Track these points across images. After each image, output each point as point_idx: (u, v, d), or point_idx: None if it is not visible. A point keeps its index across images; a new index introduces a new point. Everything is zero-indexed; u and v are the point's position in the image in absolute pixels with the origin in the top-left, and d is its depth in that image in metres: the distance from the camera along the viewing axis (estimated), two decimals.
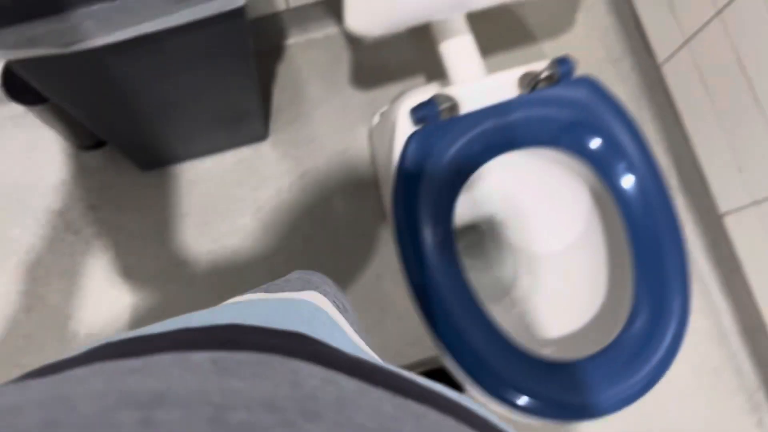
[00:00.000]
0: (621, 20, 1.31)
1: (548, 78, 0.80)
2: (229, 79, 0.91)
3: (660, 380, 0.78)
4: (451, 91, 0.82)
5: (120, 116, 0.92)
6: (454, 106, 0.79)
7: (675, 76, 1.18)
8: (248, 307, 0.32)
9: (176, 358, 0.22)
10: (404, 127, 0.79)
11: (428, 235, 0.72)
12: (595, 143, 0.79)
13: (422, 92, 1.05)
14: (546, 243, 0.98)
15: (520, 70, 0.83)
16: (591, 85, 0.80)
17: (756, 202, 1.05)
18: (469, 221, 1.02)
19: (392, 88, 1.26)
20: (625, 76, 1.29)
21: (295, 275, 0.48)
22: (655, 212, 0.79)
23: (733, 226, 1.13)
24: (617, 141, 0.79)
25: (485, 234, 1.09)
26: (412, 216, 0.72)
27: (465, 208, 0.94)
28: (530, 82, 0.81)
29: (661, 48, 1.19)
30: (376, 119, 1.20)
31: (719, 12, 1.00)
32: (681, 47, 1.12)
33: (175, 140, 1.09)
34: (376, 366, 0.25)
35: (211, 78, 0.89)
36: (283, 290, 0.39)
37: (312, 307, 0.35)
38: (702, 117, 1.12)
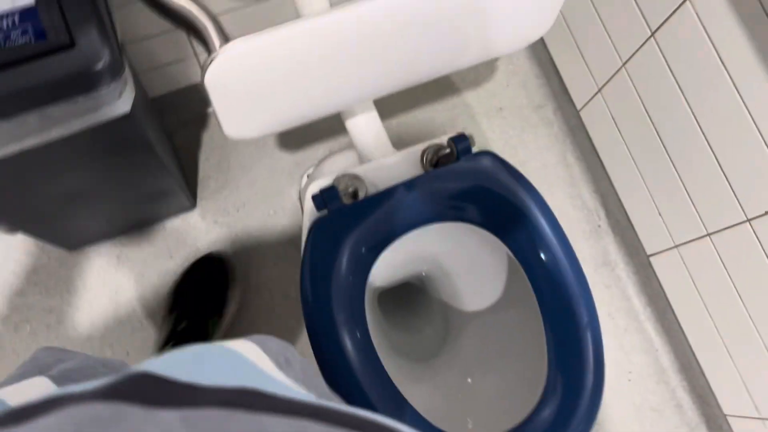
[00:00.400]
0: (541, 67, 1.33)
1: (448, 155, 0.80)
2: (138, 167, 0.91)
3: None
4: (357, 170, 0.82)
5: (29, 210, 0.91)
6: (356, 190, 0.79)
7: (592, 122, 1.20)
8: (178, 360, 0.31)
9: (147, 416, 0.22)
10: (311, 213, 0.79)
11: (346, 341, 0.72)
12: (498, 216, 0.80)
13: (341, 159, 1.05)
14: (471, 302, 0.99)
15: (422, 146, 0.84)
16: (489, 159, 0.81)
17: (677, 246, 1.06)
18: (399, 279, 1.02)
19: (320, 147, 1.26)
20: (549, 121, 1.31)
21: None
22: (563, 283, 0.80)
23: (660, 266, 1.15)
24: (521, 212, 0.80)
25: (416, 289, 1.09)
26: (324, 319, 0.72)
27: (393, 267, 0.94)
28: (432, 158, 0.82)
29: (578, 95, 1.21)
30: (304, 180, 1.20)
31: (624, 64, 1.02)
32: (595, 95, 1.14)
33: (95, 223, 1.08)
34: (331, 407, 0.26)
35: (118, 169, 0.88)
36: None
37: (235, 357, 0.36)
38: (620, 161, 1.14)
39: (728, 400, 1.09)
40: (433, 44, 0.63)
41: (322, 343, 0.72)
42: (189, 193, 1.19)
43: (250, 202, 1.22)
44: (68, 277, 1.15)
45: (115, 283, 1.15)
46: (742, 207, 0.88)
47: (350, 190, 0.79)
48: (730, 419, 1.11)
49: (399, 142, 0.90)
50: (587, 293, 0.82)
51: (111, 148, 0.78)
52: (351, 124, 0.88)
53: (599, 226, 1.27)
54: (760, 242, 0.87)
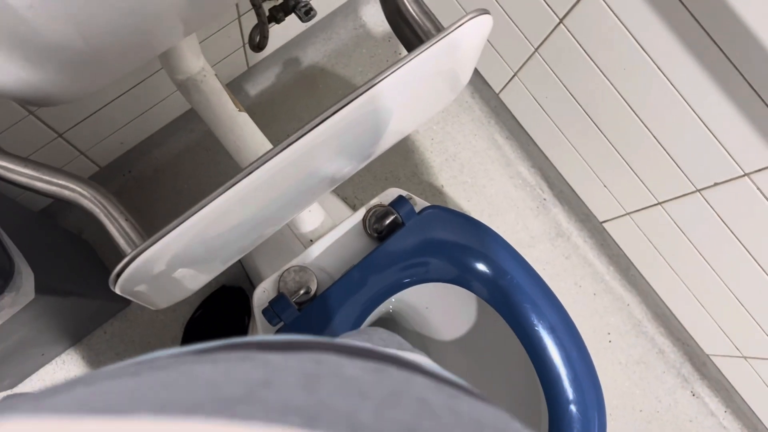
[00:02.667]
0: None
1: (394, 223, 0.75)
2: (63, 308, 0.81)
3: None
4: (300, 261, 0.75)
5: None
6: (306, 286, 0.73)
7: (514, 102, 1.15)
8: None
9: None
10: (265, 329, 0.72)
11: None
12: (458, 265, 0.76)
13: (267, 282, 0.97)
14: (444, 331, 0.95)
15: (361, 213, 0.77)
16: (434, 214, 0.76)
17: (629, 213, 1.05)
18: (367, 323, 0.98)
19: None
20: (468, 106, 1.26)
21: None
22: (536, 308, 0.77)
23: (615, 231, 1.14)
24: (480, 256, 0.76)
25: (388, 322, 1.05)
26: None
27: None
28: (376, 226, 0.76)
29: (494, 80, 1.16)
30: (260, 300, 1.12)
31: (537, 49, 0.97)
32: (512, 78, 1.09)
33: (31, 361, 0.98)
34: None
35: (39, 319, 0.79)
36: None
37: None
38: (551, 137, 1.11)
39: (707, 342, 1.11)
40: (363, 145, 0.57)
41: None
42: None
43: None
44: None
45: None
46: (689, 179, 0.86)
47: (301, 290, 0.73)
48: (713, 358, 1.14)
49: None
50: (555, 305, 0.79)
51: (26, 323, 0.69)
52: None
53: (544, 199, 1.25)
54: (714, 210, 0.86)
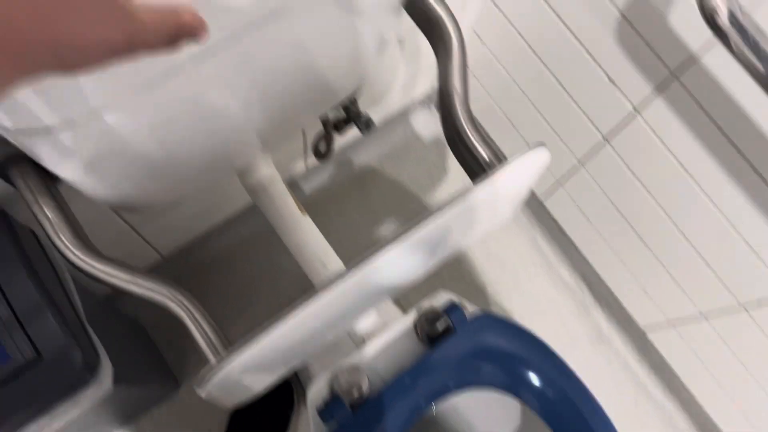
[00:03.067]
0: None
1: (446, 330, 0.78)
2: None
3: None
4: (354, 361, 0.79)
5: None
6: (360, 387, 0.76)
7: (557, 209, 1.20)
8: None
9: None
10: (318, 426, 0.75)
11: None
12: (508, 374, 0.78)
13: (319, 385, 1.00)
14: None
15: (413, 315, 0.81)
16: (487, 323, 0.79)
17: (671, 323, 1.06)
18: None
19: (296, 295, 1.22)
20: None
21: None
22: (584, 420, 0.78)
23: (657, 339, 1.15)
24: (532, 367, 0.78)
25: (434, 423, 1.05)
26: None
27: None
28: (428, 330, 0.79)
29: (540, 189, 1.21)
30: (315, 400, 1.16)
31: (582, 164, 1.02)
32: (556, 188, 1.14)
33: None
34: None
35: None
36: None
37: None
38: (593, 245, 1.14)
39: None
40: (425, 261, 0.62)
41: None
42: (169, 374, 1.13)
43: None
44: None
45: None
46: (734, 295, 0.88)
47: (353, 390, 0.76)
48: None
49: None
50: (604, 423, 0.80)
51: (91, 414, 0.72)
52: None
53: (585, 303, 1.27)
54: (758, 325, 0.88)
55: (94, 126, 0.46)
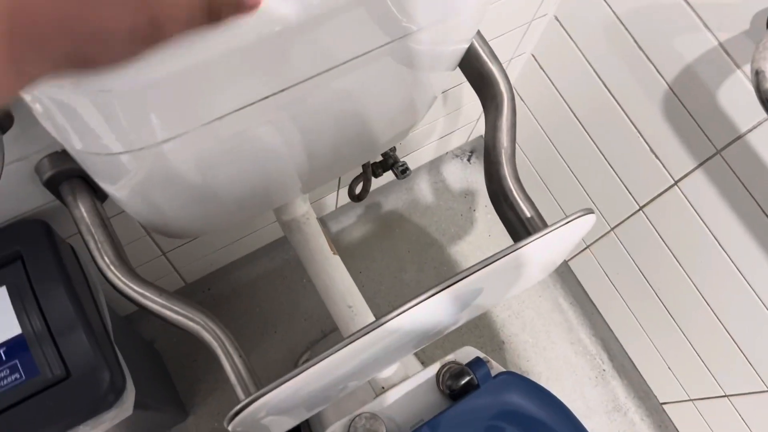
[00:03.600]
0: None
1: (468, 385, 0.77)
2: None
3: None
4: (373, 408, 0.78)
5: None
6: None
7: (582, 272, 1.19)
8: None
9: None
10: None
11: None
12: None
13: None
14: None
15: (435, 367, 0.80)
16: (511, 381, 0.78)
17: (692, 400, 1.04)
18: None
19: (310, 329, 1.22)
20: None
21: None
22: None
23: (676, 415, 1.13)
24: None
25: None
26: None
27: None
28: (450, 383, 0.78)
29: None
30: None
31: (612, 229, 1.02)
32: (583, 250, 1.14)
33: None
34: None
35: None
36: None
37: None
38: (616, 311, 1.13)
39: None
40: (459, 314, 0.61)
41: None
42: (179, 402, 1.12)
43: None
44: None
45: None
46: (762, 379, 0.87)
47: None
48: None
49: None
50: None
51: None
52: None
53: (604, 370, 1.25)
54: None
55: (153, 151, 0.47)
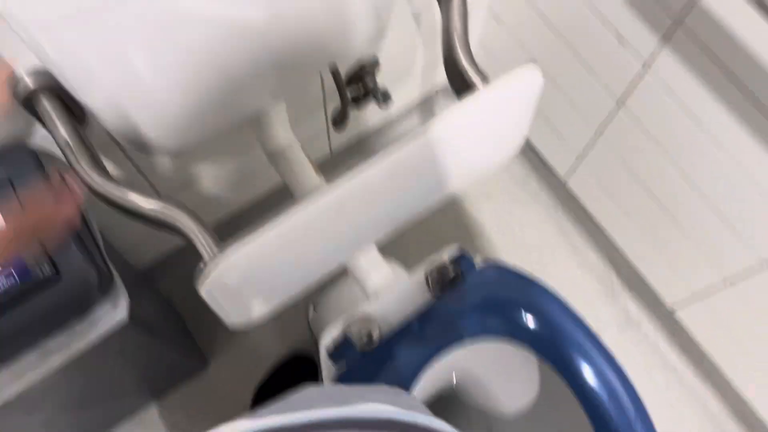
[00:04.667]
0: None
1: (454, 278, 0.79)
2: (144, 352, 0.89)
3: None
4: (366, 310, 0.80)
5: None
6: (370, 333, 0.77)
7: (580, 188, 1.20)
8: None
9: None
10: (328, 368, 0.76)
11: None
12: (517, 323, 0.78)
13: (345, 289, 1.03)
14: (508, 404, 0.95)
15: (424, 268, 0.82)
16: (495, 271, 0.80)
17: (697, 295, 1.04)
18: (430, 396, 0.99)
19: None
20: (536, 194, 1.31)
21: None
22: (599, 379, 0.77)
23: (685, 316, 1.12)
24: (538, 314, 0.78)
25: (451, 401, 1.05)
26: None
27: (420, 389, 0.91)
28: (438, 280, 0.80)
29: (559, 165, 1.21)
30: (310, 310, 1.18)
31: (600, 134, 1.03)
32: (577, 163, 1.14)
33: (101, 414, 1.04)
34: None
35: (121, 364, 0.86)
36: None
37: None
38: (617, 222, 1.13)
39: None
40: (421, 188, 0.63)
41: None
42: (197, 350, 1.16)
43: (263, 345, 1.19)
44: None
45: None
46: (754, 249, 0.87)
47: (364, 335, 0.77)
48: None
49: (395, 251, 0.89)
50: (625, 381, 0.79)
51: (113, 352, 0.76)
52: (351, 266, 0.86)
53: (613, 286, 1.25)
54: None
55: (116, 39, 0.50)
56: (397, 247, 1.23)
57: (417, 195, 0.65)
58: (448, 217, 1.29)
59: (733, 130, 0.79)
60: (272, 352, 1.18)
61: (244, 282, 0.56)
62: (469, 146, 0.62)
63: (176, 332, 1.08)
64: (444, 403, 1.04)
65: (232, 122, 0.74)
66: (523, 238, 1.28)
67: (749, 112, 0.75)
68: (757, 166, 0.79)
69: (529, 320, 0.77)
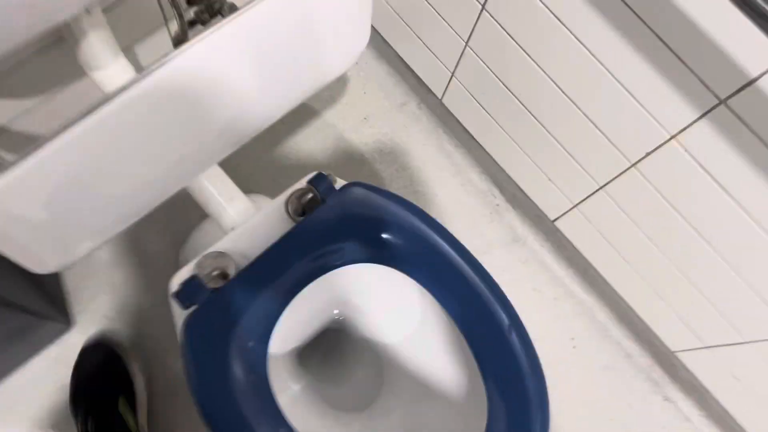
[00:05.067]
0: (391, 65, 1.27)
1: (313, 200, 0.72)
2: None
3: None
4: (219, 246, 0.73)
5: None
6: (224, 271, 0.70)
7: (457, 106, 1.15)
8: None
9: None
10: (179, 314, 0.69)
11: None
12: (382, 244, 0.73)
13: (207, 231, 0.95)
14: (393, 332, 0.92)
15: (283, 197, 0.75)
16: (355, 191, 0.74)
17: (576, 205, 1.03)
18: (313, 332, 0.94)
19: (192, 213, 1.16)
20: (416, 116, 1.26)
21: None
22: (469, 291, 0.74)
23: (566, 228, 1.12)
24: (403, 231, 0.73)
25: (335, 337, 1.01)
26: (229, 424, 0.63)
27: (299, 326, 0.86)
28: (297, 207, 0.74)
29: (434, 84, 1.16)
30: (181, 260, 1.10)
31: (466, 44, 0.98)
32: (450, 79, 1.09)
33: None
34: None
35: None
36: None
37: None
38: (495, 138, 1.10)
39: (672, 338, 1.07)
40: (262, 85, 0.55)
41: None
42: (61, 312, 1.05)
43: (130, 301, 1.10)
44: None
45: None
46: (624, 155, 0.85)
47: (215, 273, 0.70)
48: (679, 355, 1.09)
49: (272, 186, 0.81)
50: (497, 292, 0.76)
51: None
52: (198, 195, 0.78)
53: (497, 205, 1.23)
54: (649, 181, 0.84)
55: None
56: (269, 182, 1.15)
57: (263, 93, 0.57)
58: (327, 145, 1.22)
59: (593, 25, 0.75)
60: (141, 310, 1.09)
61: (32, 208, 0.47)
62: (298, 39, 0.55)
63: (30, 292, 0.96)
64: (333, 337, 0.99)
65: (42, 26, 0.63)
66: (405, 163, 1.23)
67: (615, 7, 0.71)
68: (614, 63, 0.76)
69: (391, 237, 0.72)
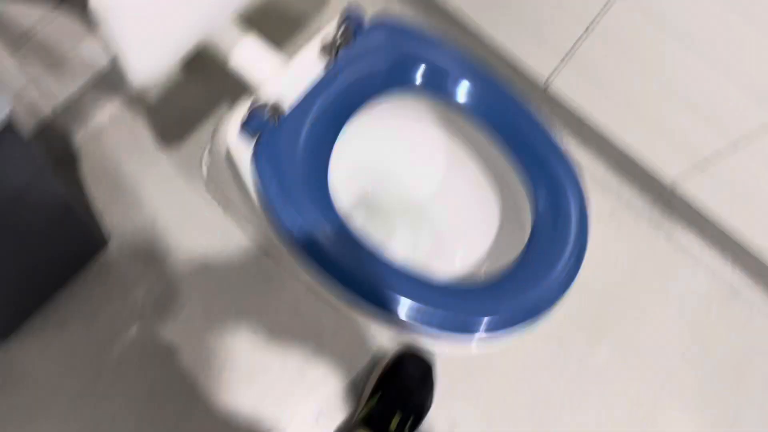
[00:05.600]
0: None
1: (344, 37, 0.78)
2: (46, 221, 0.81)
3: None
4: (264, 94, 0.78)
5: None
6: (276, 107, 0.76)
7: None
8: None
9: None
10: (241, 153, 0.74)
11: (325, 234, 0.70)
12: (418, 74, 0.80)
13: (235, 115, 1.00)
14: (427, 185, 0.98)
15: (316, 43, 0.81)
16: (387, 24, 0.80)
17: (564, 60, 1.11)
18: (355, 198, 0.99)
19: (203, 130, 1.20)
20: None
21: None
22: (503, 109, 0.81)
23: (559, 90, 1.20)
24: (436, 62, 0.80)
25: (375, 202, 1.06)
26: (301, 223, 0.69)
27: (345, 189, 0.91)
28: (330, 49, 0.80)
29: None
30: (204, 164, 1.14)
31: None
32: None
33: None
34: None
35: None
36: None
37: None
38: (483, 9, 1.17)
39: (666, 166, 1.16)
40: None
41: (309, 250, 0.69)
42: (95, 227, 1.09)
43: (160, 213, 1.14)
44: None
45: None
46: None
47: (269, 110, 0.75)
48: (676, 187, 1.18)
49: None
50: (526, 109, 0.83)
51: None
52: (234, 59, 0.83)
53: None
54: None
55: None
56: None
57: None
58: None
59: None
60: (169, 221, 1.13)
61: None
62: None
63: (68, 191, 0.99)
64: (365, 206, 1.05)
65: None
66: None
67: None
68: None
69: (430, 72, 0.80)
